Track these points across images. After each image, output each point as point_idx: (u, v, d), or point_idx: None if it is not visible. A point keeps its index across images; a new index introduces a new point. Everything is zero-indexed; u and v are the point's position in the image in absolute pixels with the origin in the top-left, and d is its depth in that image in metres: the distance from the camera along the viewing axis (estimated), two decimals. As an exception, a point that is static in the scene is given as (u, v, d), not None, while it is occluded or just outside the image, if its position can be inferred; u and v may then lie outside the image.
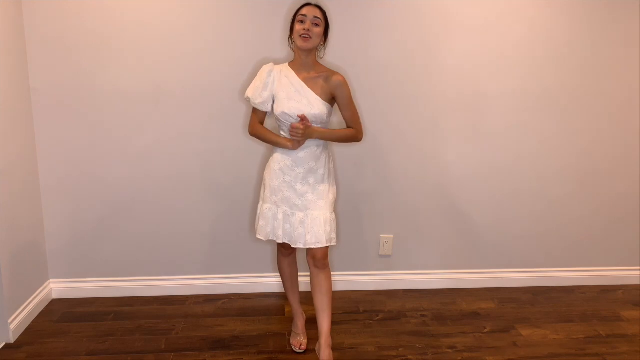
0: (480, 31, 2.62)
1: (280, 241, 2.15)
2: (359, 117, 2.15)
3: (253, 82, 2.13)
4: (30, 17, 2.38)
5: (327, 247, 2.10)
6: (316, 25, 2.01)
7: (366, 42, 2.56)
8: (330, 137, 2.11)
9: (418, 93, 2.66)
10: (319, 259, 2.08)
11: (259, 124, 2.18)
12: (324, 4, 2.42)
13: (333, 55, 2.53)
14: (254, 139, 2.38)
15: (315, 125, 2.07)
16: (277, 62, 2.18)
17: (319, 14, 2.02)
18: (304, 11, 2.02)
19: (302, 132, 2.01)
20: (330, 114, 2.12)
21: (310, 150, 2.10)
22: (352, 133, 2.15)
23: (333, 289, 2.81)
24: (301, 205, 2.10)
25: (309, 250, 2.10)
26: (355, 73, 2.58)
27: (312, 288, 2.15)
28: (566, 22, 2.66)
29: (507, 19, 2.63)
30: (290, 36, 2.11)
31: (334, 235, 2.11)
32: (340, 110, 2.14)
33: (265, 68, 2.12)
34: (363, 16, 2.53)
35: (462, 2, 2.57)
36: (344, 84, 2.07)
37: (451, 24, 2.60)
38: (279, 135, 2.13)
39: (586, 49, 2.71)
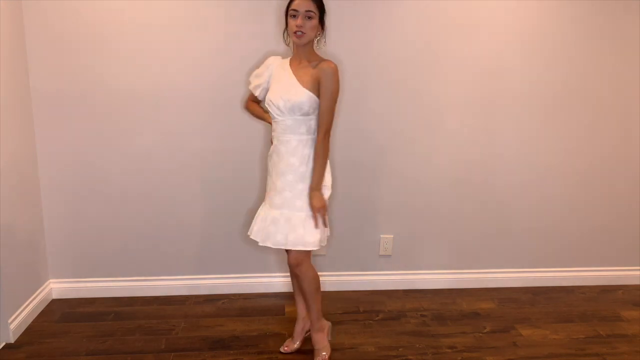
0: (483, 32, 2.62)
1: (262, 244, 2.06)
2: (331, 117, 1.96)
3: (259, 68, 2.18)
4: (30, 17, 2.38)
5: (301, 252, 2.02)
6: (309, 18, 1.91)
7: (368, 41, 2.56)
8: (322, 170, 1.99)
9: (419, 93, 2.66)
10: (290, 264, 2.05)
11: (252, 102, 2.29)
12: None
13: (334, 53, 2.53)
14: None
15: (296, 117, 1.97)
16: (284, 56, 2.15)
17: (310, 5, 1.91)
18: (294, 5, 1.92)
19: (320, 212, 1.99)
20: (313, 104, 1.95)
21: (289, 144, 2.00)
22: (320, 148, 1.97)
23: (333, 289, 2.83)
24: (279, 204, 2.02)
25: (287, 254, 2.07)
26: (356, 72, 2.58)
27: None
28: (568, 23, 2.66)
29: (510, 20, 2.62)
30: (285, 30, 2.06)
31: (311, 239, 1.98)
32: (319, 99, 1.95)
33: (270, 59, 2.14)
34: (367, 15, 2.53)
35: (465, 2, 2.57)
36: (332, 72, 1.92)
37: (455, 24, 2.59)
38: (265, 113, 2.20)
39: (587, 48, 2.71)
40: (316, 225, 1.99)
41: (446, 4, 2.57)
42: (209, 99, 2.56)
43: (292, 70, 2.02)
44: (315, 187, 1.99)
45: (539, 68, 2.71)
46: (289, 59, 2.09)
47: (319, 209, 1.99)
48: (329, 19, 2.43)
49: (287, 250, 2.05)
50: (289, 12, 1.95)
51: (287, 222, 2.00)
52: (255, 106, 2.29)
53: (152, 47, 2.47)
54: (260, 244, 2.06)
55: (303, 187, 2.01)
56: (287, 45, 2.13)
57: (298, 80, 1.97)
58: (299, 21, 1.91)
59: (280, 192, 2.02)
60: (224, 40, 2.50)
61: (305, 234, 1.98)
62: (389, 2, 2.53)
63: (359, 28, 2.54)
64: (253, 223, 2.14)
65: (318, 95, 1.95)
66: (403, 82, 2.64)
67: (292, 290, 2.82)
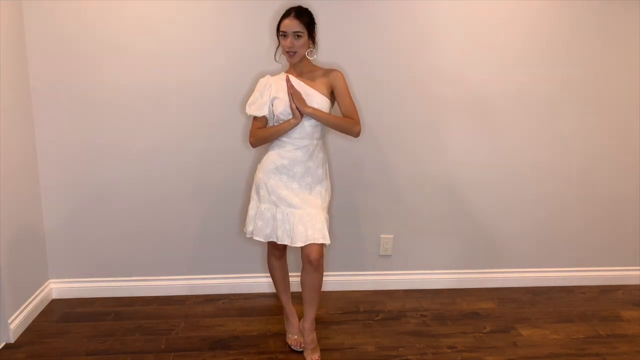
0: (480, 32, 2.62)
1: (279, 242, 2.14)
2: (357, 110, 2.14)
3: (251, 96, 2.17)
4: (30, 17, 2.38)
5: (323, 247, 2.10)
6: (298, 37, 2.01)
7: (365, 43, 2.56)
8: (324, 118, 2.07)
9: (418, 93, 2.66)
10: (316, 258, 2.07)
11: (259, 129, 2.17)
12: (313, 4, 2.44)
13: (331, 54, 2.53)
14: (258, 146, 2.24)
15: (313, 123, 2.10)
16: (273, 74, 2.21)
17: (297, 26, 2.00)
18: (283, 26, 2.02)
19: (293, 89, 2.01)
20: (330, 110, 2.13)
21: (307, 149, 2.12)
22: (349, 122, 2.10)
23: (333, 289, 2.84)
24: (299, 204, 2.10)
25: (304, 249, 2.09)
26: (355, 73, 2.58)
27: (302, 284, 2.18)
28: (566, 23, 2.66)
29: (507, 20, 2.62)
30: (278, 48, 2.14)
31: (327, 233, 2.10)
32: (338, 102, 2.14)
33: (262, 80, 2.17)
34: (363, 16, 2.53)
35: (463, 2, 2.57)
36: (342, 76, 2.12)
37: (451, 25, 2.59)
38: (280, 124, 2.11)
39: (586, 49, 2.71)
40: (289, 88, 2.04)
41: (446, 3, 2.57)
42: (207, 100, 2.56)
43: (300, 80, 2.11)
44: (314, 109, 2.05)
45: (539, 69, 2.70)
46: (284, 73, 2.16)
47: (297, 95, 2.03)
48: (323, 22, 2.45)
49: (303, 248, 2.09)
50: (280, 34, 2.06)
51: (314, 218, 2.08)
52: (265, 129, 2.16)
53: (153, 47, 2.47)
54: (291, 245, 2.10)
55: (320, 188, 2.16)
56: (277, 61, 2.22)
57: (313, 88, 2.09)
58: (288, 42, 2.03)
59: (299, 194, 2.11)
60: (225, 41, 2.50)
61: (323, 228, 2.08)
62: (386, 2, 2.53)
63: (358, 30, 2.54)
64: (263, 225, 2.15)
65: (331, 102, 2.15)
66: (403, 83, 2.64)
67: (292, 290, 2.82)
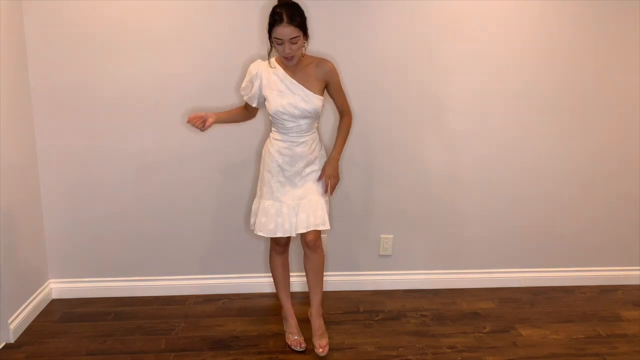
0: (481, 32, 2.62)
1: (287, 235, 2.18)
2: (348, 102, 2.25)
3: (244, 80, 2.18)
4: (30, 17, 2.38)
5: (318, 230, 2.17)
6: (295, 42, 1.95)
7: (365, 42, 2.56)
8: (343, 144, 2.25)
9: (419, 93, 2.66)
10: (312, 239, 2.16)
11: (239, 108, 2.31)
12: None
13: (330, 55, 2.53)
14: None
15: (309, 120, 2.13)
16: (264, 58, 2.16)
17: (293, 32, 1.91)
18: (278, 34, 1.92)
19: (334, 180, 2.20)
20: (322, 104, 2.15)
21: (306, 144, 2.17)
22: (348, 124, 2.26)
23: (333, 289, 2.83)
24: (302, 194, 2.17)
25: (303, 235, 2.17)
26: (354, 73, 2.57)
27: (306, 270, 2.27)
28: (567, 23, 2.66)
29: (508, 19, 2.62)
30: (270, 50, 2.09)
31: (327, 218, 2.17)
32: (332, 96, 2.21)
33: (252, 68, 2.12)
34: (364, 15, 2.53)
35: (464, 2, 2.57)
36: (334, 69, 2.13)
37: (452, 24, 2.59)
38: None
39: (587, 49, 2.70)
40: (325, 191, 2.20)
41: (446, 3, 2.56)
42: (207, 99, 2.56)
43: (293, 77, 2.09)
44: (335, 156, 2.21)
45: (539, 70, 2.70)
46: (274, 60, 2.12)
47: (332, 176, 2.20)
48: (323, 20, 2.45)
49: (301, 234, 2.17)
50: (274, 40, 1.98)
51: (316, 204, 2.16)
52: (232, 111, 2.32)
53: (152, 47, 2.47)
54: (295, 233, 2.16)
55: (316, 174, 2.21)
56: (272, 67, 2.13)
57: (306, 87, 2.09)
58: (287, 49, 1.97)
59: (301, 185, 2.18)
60: (224, 42, 2.50)
61: (323, 214, 2.16)
62: (386, 1, 2.53)
63: (355, 29, 2.54)
64: (267, 222, 2.18)
65: (322, 94, 2.16)
66: (404, 83, 2.63)
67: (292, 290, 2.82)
